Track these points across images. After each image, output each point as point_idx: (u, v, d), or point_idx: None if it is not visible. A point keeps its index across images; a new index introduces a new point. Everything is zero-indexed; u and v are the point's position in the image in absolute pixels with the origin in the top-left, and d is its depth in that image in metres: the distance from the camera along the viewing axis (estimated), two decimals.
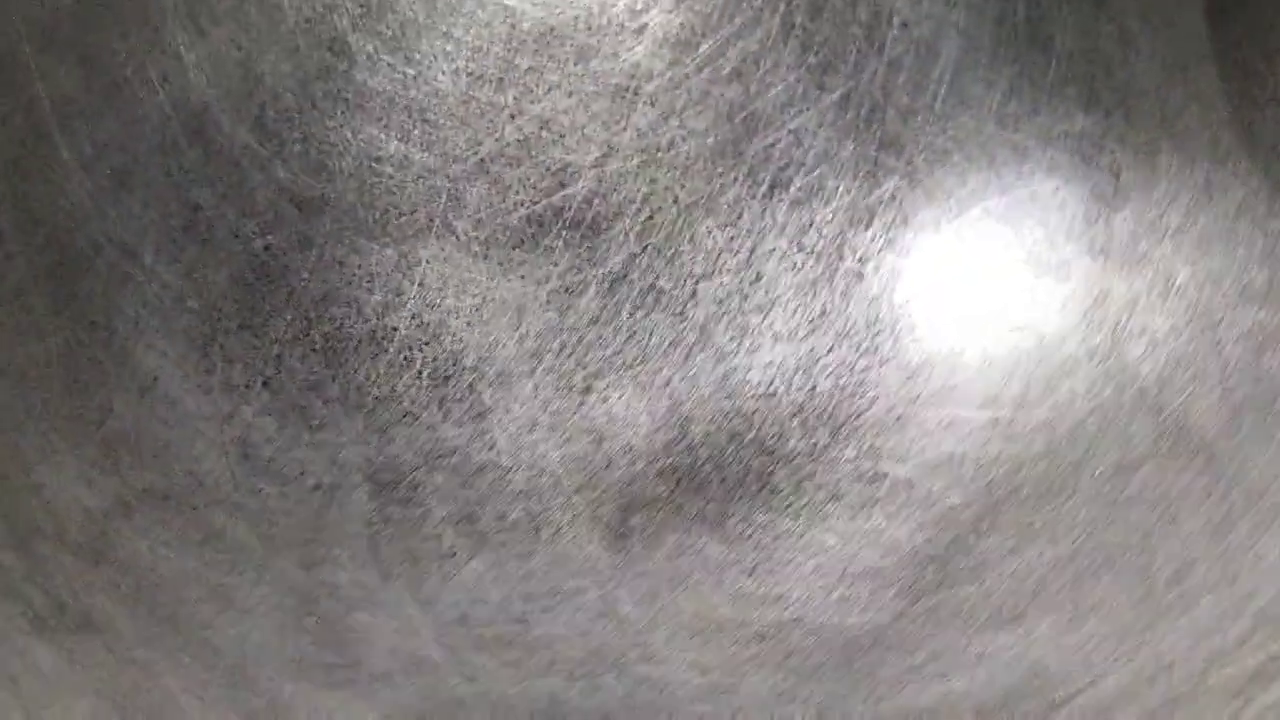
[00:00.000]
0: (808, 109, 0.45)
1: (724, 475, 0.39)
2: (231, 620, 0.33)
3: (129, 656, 0.31)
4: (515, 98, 0.45)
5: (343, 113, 0.43)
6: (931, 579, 0.35)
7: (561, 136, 0.44)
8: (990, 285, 0.41)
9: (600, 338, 0.42)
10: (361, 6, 0.43)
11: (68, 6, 0.38)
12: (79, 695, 0.29)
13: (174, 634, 0.32)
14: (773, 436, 0.40)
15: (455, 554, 0.36)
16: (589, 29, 0.45)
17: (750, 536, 0.38)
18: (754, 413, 0.40)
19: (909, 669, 0.33)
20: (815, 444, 0.40)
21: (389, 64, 0.43)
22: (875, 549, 0.37)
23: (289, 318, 0.40)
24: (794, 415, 0.40)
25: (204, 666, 0.31)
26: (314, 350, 0.40)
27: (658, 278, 0.43)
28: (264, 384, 0.39)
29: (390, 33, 0.43)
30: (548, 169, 0.44)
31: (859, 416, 0.40)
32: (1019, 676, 0.32)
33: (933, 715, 0.31)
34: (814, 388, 0.40)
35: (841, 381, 0.40)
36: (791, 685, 0.33)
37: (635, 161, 0.45)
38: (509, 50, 0.44)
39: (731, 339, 0.42)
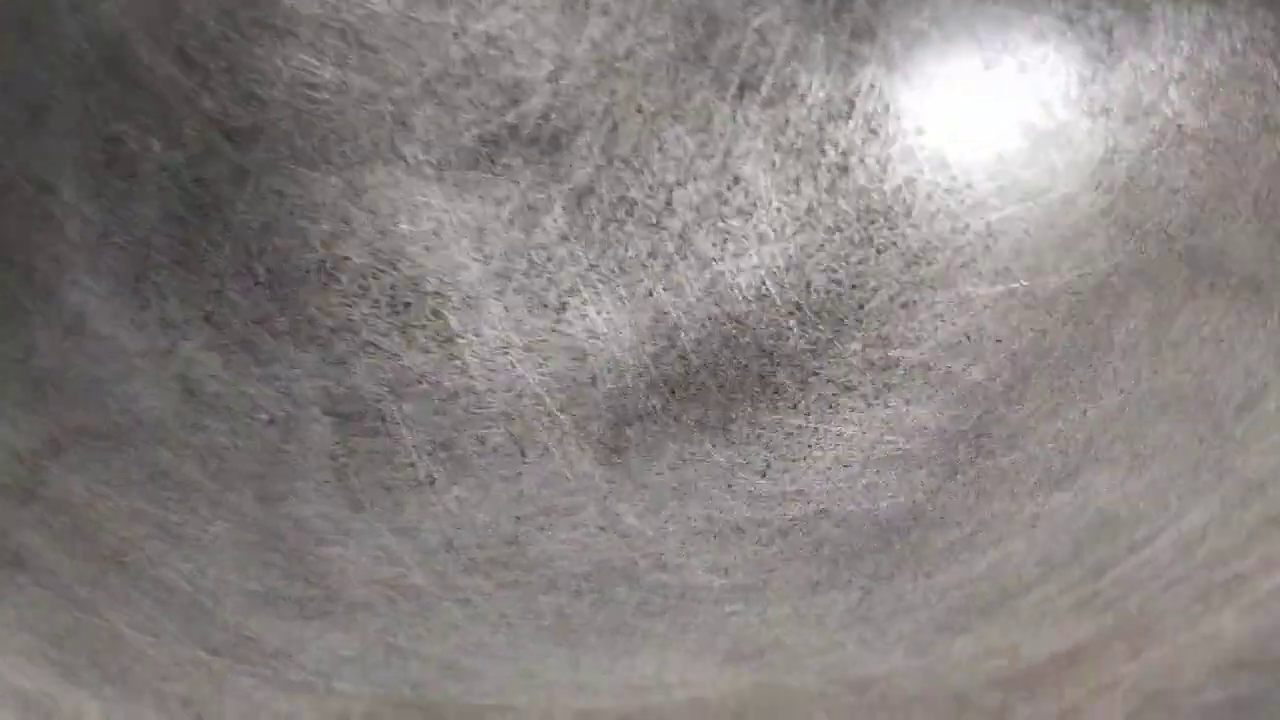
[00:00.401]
0: (771, 5, 0.42)
1: (721, 381, 0.35)
2: (184, 556, 0.28)
3: (67, 595, 0.26)
4: (458, 16, 0.41)
5: (271, 39, 0.39)
6: (965, 455, 0.32)
7: (510, 52, 0.41)
8: (986, 161, 0.38)
9: (572, 254, 0.38)
10: None
11: None
12: (9, 632, 0.24)
13: (118, 572, 0.27)
14: (770, 338, 0.36)
15: (434, 481, 0.32)
16: None
17: (758, 437, 0.34)
18: (747, 315, 0.37)
19: (957, 540, 0.29)
20: (817, 340, 0.36)
21: None
22: (898, 434, 0.33)
23: (228, 251, 0.36)
24: (790, 314, 0.37)
25: (155, 603, 0.27)
26: (258, 283, 0.36)
27: (628, 189, 0.40)
28: (205, 319, 0.34)
29: None
30: (499, 86, 0.40)
31: (861, 308, 0.36)
32: (1085, 527, 0.28)
33: (993, 578, 0.27)
34: (809, 284, 0.37)
35: (838, 275, 0.37)
36: (827, 574, 0.29)
37: (592, 74, 0.41)
38: None
39: (714, 245, 0.38)
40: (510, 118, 0.41)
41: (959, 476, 0.33)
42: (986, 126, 0.40)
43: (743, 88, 0.42)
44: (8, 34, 0.37)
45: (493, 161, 0.40)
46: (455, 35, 0.41)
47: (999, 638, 0.27)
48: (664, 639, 0.30)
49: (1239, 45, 0.37)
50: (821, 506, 0.33)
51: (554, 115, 0.41)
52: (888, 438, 0.34)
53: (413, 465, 0.34)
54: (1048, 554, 0.27)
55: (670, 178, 0.41)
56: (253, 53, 0.40)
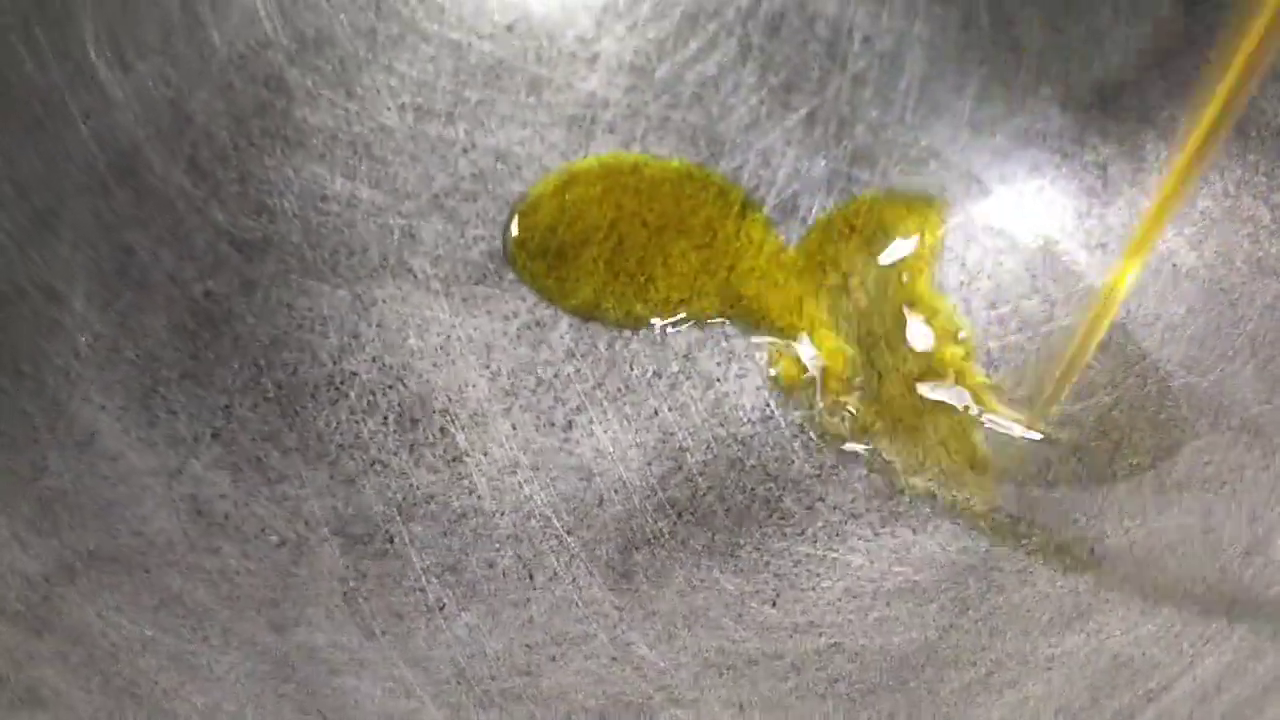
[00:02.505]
0: (774, 129, 0.42)
1: (728, 505, 0.36)
2: (199, 689, 0.28)
3: None
4: (467, 131, 0.42)
5: (282, 150, 0.40)
6: (976, 589, 0.32)
7: (519, 168, 0.41)
8: (985, 289, 0.39)
9: (578, 371, 0.38)
10: (297, 42, 0.40)
11: None
12: None
13: (135, 707, 0.27)
14: (775, 460, 0.37)
15: (444, 607, 0.32)
16: (539, 60, 0.42)
17: (766, 565, 0.34)
18: (752, 438, 0.37)
19: (973, 682, 0.29)
20: (822, 464, 0.36)
21: (330, 99, 0.40)
22: (907, 564, 0.33)
23: (236, 365, 0.36)
24: (795, 437, 0.37)
25: None
26: (266, 399, 0.35)
27: (633, 305, 0.40)
28: (213, 436, 0.34)
29: (330, 68, 0.40)
30: (506, 202, 0.41)
31: (865, 433, 0.37)
32: (1101, 672, 0.28)
33: None
34: (812, 407, 0.37)
35: (840, 399, 0.37)
36: (844, 713, 0.29)
37: (598, 189, 0.42)
38: (457, 84, 0.41)
39: (718, 364, 0.38)
40: (515, 231, 0.41)
41: (970, 612, 0.33)
42: (984, 255, 0.40)
43: (745, 206, 0.43)
44: (20, 140, 0.37)
45: (500, 276, 0.41)
46: (464, 151, 0.42)
47: None
48: None
49: (1231, 188, 0.38)
50: (834, 640, 0.33)
51: (560, 229, 0.42)
52: (896, 568, 0.35)
53: (422, 590, 0.34)
54: (1065, 701, 0.28)
55: (675, 295, 0.41)
56: (264, 163, 0.40)
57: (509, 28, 0.41)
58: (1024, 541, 0.34)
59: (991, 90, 0.41)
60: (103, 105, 0.38)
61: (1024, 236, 0.40)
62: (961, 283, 0.39)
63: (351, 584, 0.33)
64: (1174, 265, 0.37)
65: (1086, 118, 0.40)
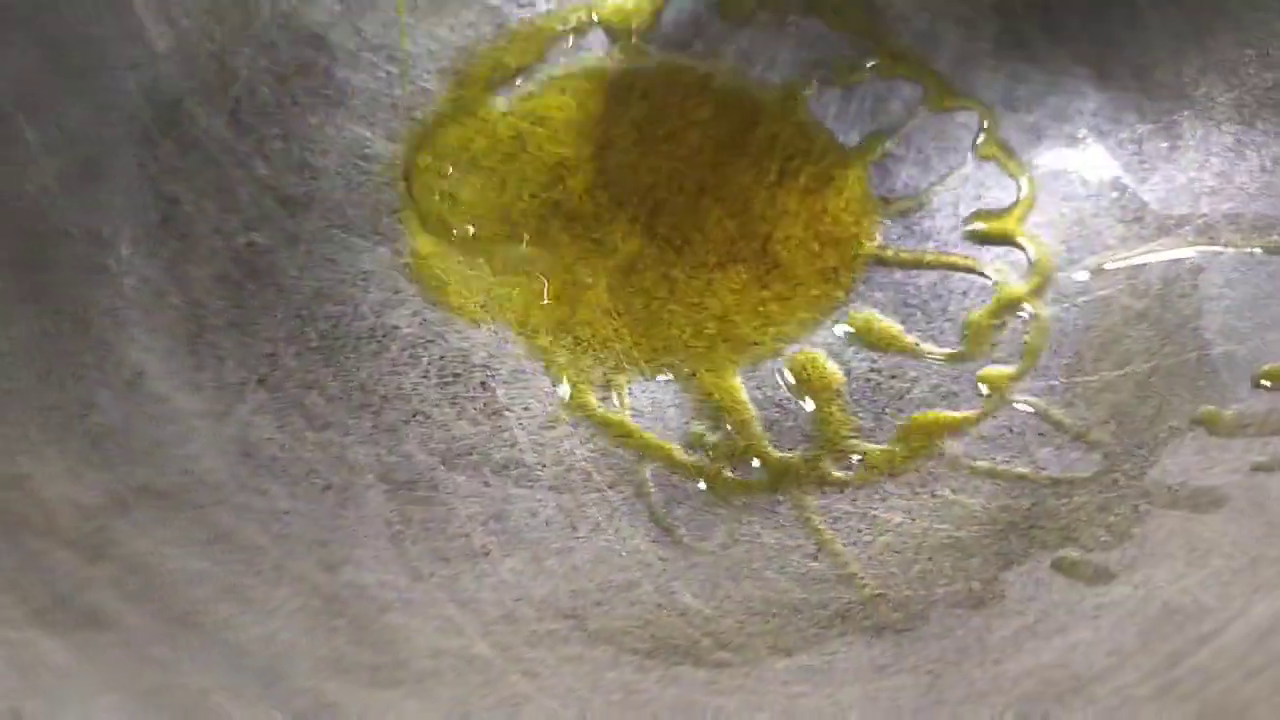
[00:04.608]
0: (810, 103, 0.43)
1: (766, 464, 0.36)
2: (254, 620, 0.28)
3: (146, 654, 0.26)
4: (505, 96, 0.42)
5: (325, 109, 0.40)
6: (1018, 545, 0.33)
7: (556, 132, 0.42)
8: (1021, 261, 0.39)
9: (616, 331, 0.39)
10: (341, 3, 0.40)
11: None
12: (99, 691, 0.24)
13: (192, 633, 0.27)
14: (812, 421, 0.37)
15: (489, 552, 0.32)
16: (577, 26, 0.43)
17: (807, 521, 0.35)
18: (788, 399, 0.38)
19: (1022, 629, 0.30)
20: (860, 427, 0.37)
21: (371, 61, 0.41)
22: (947, 521, 0.34)
23: (280, 315, 0.37)
24: (831, 401, 0.38)
25: (232, 667, 0.27)
26: (310, 348, 0.36)
27: (669, 269, 0.41)
28: (259, 382, 0.35)
29: (371, 30, 0.41)
30: (544, 164, 0.42)
31: (902, 398, 0.37)
32: (1151, 619, 0.29)
33: (1064, 666, 0.28)
34: (849, 371, 0.38)
35: (878, 364, 0.38)
36: (892, 656, 0.30)
37: (634, 154, 0.43)
38: (496, 50, 0.42)
39: (756, 328, 0.39)
40: (556, 193, 0.42)
41: (1015, 567, 0.34)
42: (1023, 229, 0.41)
43: (782, 175, 0.43)
44: (69, 89, 0.37)
45: (542, 235, 0.41)
46: (503, 114, 0.42)
47: None
48: (738, 716, 0.31)
49: (1268, 163, 0.39)
50: (877, 591, 0.34)
51: (597, 191, 0.42)
52: (937, 525, 0.35)
53: (467, 536, 0.34)
54: (1117, 644, 0.28)
55: (711, 259, 0.42)
56: (307, 121, 0.40)
57: None
58: (1064, 501, 0.34)
59: (1027, 70, 0.42)
60: (148, 58, 0.38)
61: (1059, 210, 0.40)
62: (997, 254, 0.40)
63: (397, 528, 0.33)
64: (1210, 238, 0.38)
65: (1123, 96, 0.41)
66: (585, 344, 0.39)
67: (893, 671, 0.30)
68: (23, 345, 0.32)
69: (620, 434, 0.38)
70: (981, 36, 0.43)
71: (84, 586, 0.28)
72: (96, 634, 0.27)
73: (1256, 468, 0.33)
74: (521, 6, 0.42)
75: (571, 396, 0.37)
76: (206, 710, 0.26)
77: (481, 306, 0.39)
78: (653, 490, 0.36)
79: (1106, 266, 0.39)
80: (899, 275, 0.41)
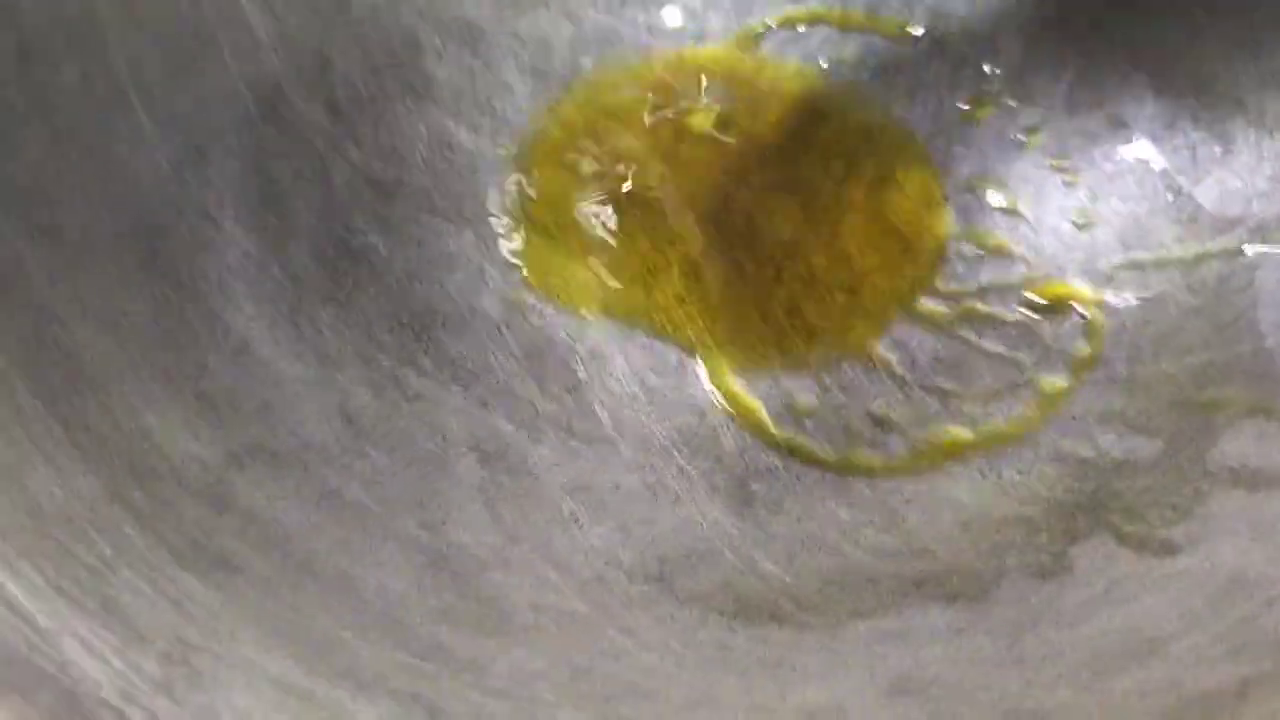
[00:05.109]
0: (871, 104, 0.45)
1: (835, 444, 0.38)
2: (367, 571, 0.30)
3: (277, 597, 0.28)
4: (583, 93, 0.44)
5: (412, 100, 0.42)
6: (1084, 524, 0.35)
7: (632, 128, 0.44)
8: (1080, 259, 0.41)
9: (688, 315, 0.41)
10: (427, 1, 0.42)
11: None
12: (243, 623, 0.26)
13: (314, 580, 0.29)
14: (879, 406, 0.39)
15: (578, 520, 0.34)
16: (649, 31, 0.45)
17: (877, 499, 0.36)
18: (853, 383, 0.39)
19: (1092, 598, 0.32)
20: (925, 412, 0.39)
21: (456, 56, 0.43)
22: (1014, 500, 0.36)
23: (373, 292, 0.39)
24: (900, 386, 0.39)
25: (353, 610, 0.28)
26: (401, 324, 0.38)
27: (740, 262, 0.43)
28: (356, 354, 0.37)
29: (457, 27, 0.43)
30: (617, 158, 0.44)
31: (966, 385, 0.39)
32: (1219, 587, 0.31)
33: (1137, 629, 0.30)
34: (914, 361, 0.40)
35: (941, 354, 0.40)
36: (968, 620, 0.32)
37: (702, 149, 0.45)
38: (573, 50, 0.44)
39: (821, 317, 0.41)
40: (629, 185, 0.44)
41: (1081, 542, 0.35)
42: (1077, 229, 0.43)
43: (847, 172, 0.45)
44: (176, 76, 0.39)
45: (617, 225, 0.43)
46: (578, 107, 0.44)
47: (1159, 678, 0.29)
48: (825, 674, 0.32)
49: None
50: (950, 562, 0.36)
51: (667, 185, 0.44)
52: (1004, 503, 0.37)
53: (556, 504, 0.36)
54: (1186, 609, 0.30)
55: (779, 252, 0.44)
56: (395, 111, 0.42)
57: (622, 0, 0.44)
58: (1127, 483, 0.36)
59: (1086, 76, 0.44)
60: (251, 46, 0.40)
61: (1117, 209, 0.42)
62: (1057, 251, 0.42)
63: (490, 494, 0.35)
64: (1264, 238, 0.40)
65: (1179, 104, 0.43)
66: (660, 327, 0.41)
67: (970, 634, 0.32)
68: (144, 310, 0.34)
69: (697, 412, 0.39)
70: (1042, 42, 0.45)
71: (213, 533, 0.29)
72: (231, 575, 0.28)
73: None
74: (597, 10, 0.44)
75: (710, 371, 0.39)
76: (340, 644, 0.28)
77: (561, 290, 0.41)
78: (729, 467, 0.38)
79: (1163, 263, 0.41)
80: (960, 270, 0.43)
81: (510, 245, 0.41)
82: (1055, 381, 0.40)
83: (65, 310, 0.32)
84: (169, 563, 0.28)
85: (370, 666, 0.27)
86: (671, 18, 0.45)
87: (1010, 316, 0.41)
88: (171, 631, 0.26)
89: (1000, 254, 0.43)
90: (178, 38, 0.39)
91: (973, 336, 0.41)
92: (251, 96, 0.40)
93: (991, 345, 0.41)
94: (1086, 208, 0.43)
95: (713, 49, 0.46)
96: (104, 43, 0.37)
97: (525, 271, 0.41)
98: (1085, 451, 0.38)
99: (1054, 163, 0.44)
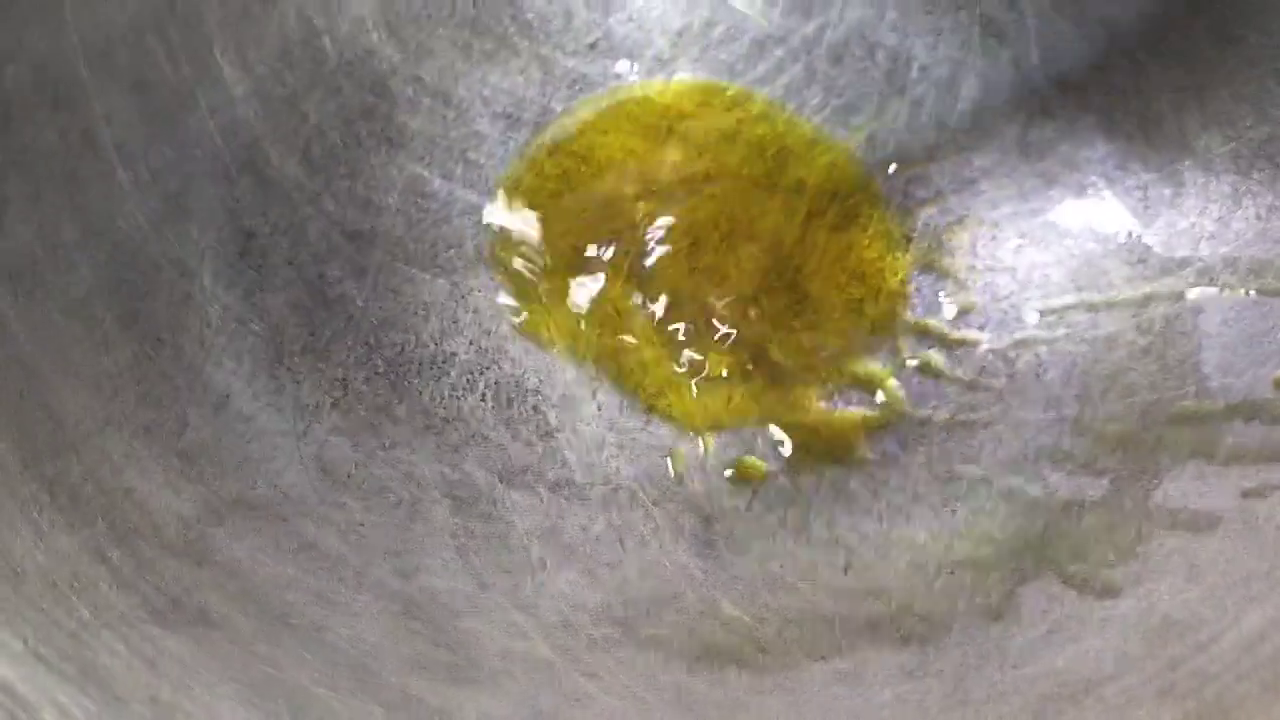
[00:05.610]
0: (837, 146, 0.47)
1: (798, 485, 0.40)
2: (342, 622, 0.32)
3: (252, 650, 0.29)
4: (553, 138, 0.46)
5: (387, 151, 0.44)
6: (1032, 563, 0.36)
7: (602, 170, 0.45)
8: (1034, 298, 0.43)
9: (657, 359, 0.42)
10: (401, 53, 0.44)
11: (121, 32, 0.38)
12: (218, 680, 0.28)
13: (289, 633, 0.31)
14: (840, 448, 0.41)
15: (545, 565, 0.36)
16: (618, 76, 0.46)
17: (837, 540, 0.38)
18: (818, 426, 0.41)
19: (1036, 639, 0.34)
20: (884, 452, 0.40)
21: (429, 106, 0.44)
22: (968, 541, 0.37)
23: (350, 342, 0.40)
24: (856, 428, 0.41)
25: (326, 662, 0.30)
26: (377, 373, 0.40)
27: (707, 300, 0.44)
28: (332, 404, 0.38)
29: (430, 78, 0.44)
30: (590, 202, 0.45)
31: (923, 425, 0.41)
32: (1154, 628, 0.32)
33: (1077, 670, 0.32)
34: (875, 400, 0.41)
35: (900, 394, 0.41)
36: (918, 662, 0.33)
37: (678, 191, 0.46)
38: (544, 95, 0.45)
39: (786, 357, 0.43)
40: (603, 229, 0.45)
41: (1030, 582, 0.37)
42: (1033, 269, 0.45)
43: (810, 214, 0.47)
44: (155, 131, 0.41)
45: (587, 269, 0.45)
46: (550, 154, 0.46)
47: (1093, 719, 0.31)
48: (782, 716, 0.34)
49: (1262, 211, 0.42)
50: (903, 603, 0.37)
51: (642, 226, 0.46)
52: (957, 544, 0.39)
53: (525, 549, 0.38)
54: (1123, 651, 0.32)
55: (746, 291, 0.45)
56: (370, 161, 0.44)
57: (592, 45, 0.45)
58: (1074, 522, 0.38)
59: (1039, 119, 0.46)
60: (227, 101, 0.42)
61: (1070, 250, 0.44)
62: (1012, 291, 0.43)
63: (463, 540, 0.37)
64: (1210, 279, 0.42)
65: (1129, 146, 0.44)
66: (629, 372, 0.42)
67: (920, 675, 0.34)
68: (124, 367, 0.36)
69: (664, 454, 0.41)
70: (997, 86, 0.46)
71: (192, 589, 0.31)
72: (208, 630, 0.30)
73: (1247, 493, 0.36)
74: (567, 55, 0.46)
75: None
76: (311, 700, 0.29)
77: (531, 335, 0.42)
78: (694, 509, 0.40)
79: (1113, 304, 0.43)
80: (920, 312, 0.44)
81: (482, 292, 0.42)
82: (1009, 417, 0.41)
83: (47, 369, 0.34)
84: (146, 620, 0.29)
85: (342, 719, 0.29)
86: (640, 64, 0.46)
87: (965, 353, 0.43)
88: (146, 692, 0.27)
89: (957, 293, 0.44)
90: (156, 95, 0.40)
91: (930, 376, 0.43)
92: (229, 151, 0.41)
93: (947, 384, 0.42)
94: (1040, 248, 0.44)
95: (679, 88, 0.48)
96: (84, 101, 0.39)
97: (497, 317, 0.42)
98: (1034, 490, 0.40)
99: (1009, 205, 0.45)
